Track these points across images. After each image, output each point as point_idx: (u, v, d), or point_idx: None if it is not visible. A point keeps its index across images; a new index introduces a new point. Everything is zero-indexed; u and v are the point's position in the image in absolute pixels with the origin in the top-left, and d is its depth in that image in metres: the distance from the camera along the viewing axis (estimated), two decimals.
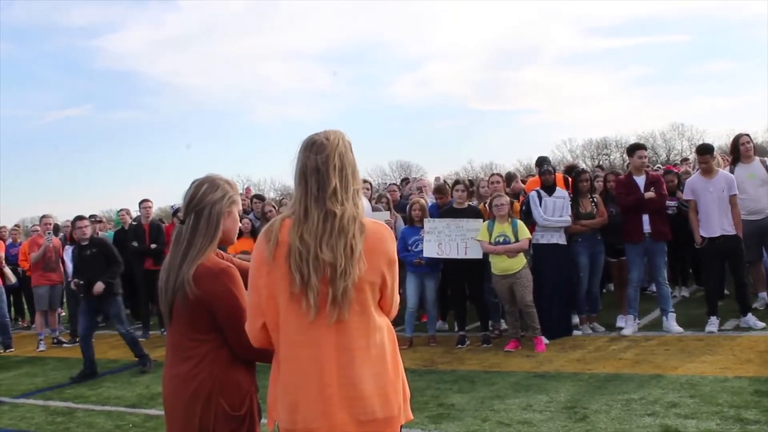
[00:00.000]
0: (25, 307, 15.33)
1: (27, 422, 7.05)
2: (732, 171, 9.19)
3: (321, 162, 2.54)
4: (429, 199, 10.70)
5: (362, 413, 2.50)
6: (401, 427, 2.66)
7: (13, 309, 15.20)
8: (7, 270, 12.21)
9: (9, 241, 14.97)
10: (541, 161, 10.52)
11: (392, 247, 2.62)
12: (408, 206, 9.68)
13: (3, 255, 12.15)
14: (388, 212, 9.94)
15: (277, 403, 2.61)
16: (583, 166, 19.35)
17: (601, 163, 48.96)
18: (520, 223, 8.56)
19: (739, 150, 9.44)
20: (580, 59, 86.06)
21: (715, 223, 8.53)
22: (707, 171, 8.71)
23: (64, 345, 11.81)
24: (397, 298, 2.72)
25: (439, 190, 10.39)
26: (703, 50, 79.82)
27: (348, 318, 2.50)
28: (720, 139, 39.11)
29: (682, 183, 10.79)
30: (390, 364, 2.58)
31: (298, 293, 2.49)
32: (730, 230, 8.49)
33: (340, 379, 2.49)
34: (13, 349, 11.71)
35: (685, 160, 18.49)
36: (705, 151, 8.87)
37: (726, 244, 8.50)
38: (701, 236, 8.65)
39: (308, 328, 2.51)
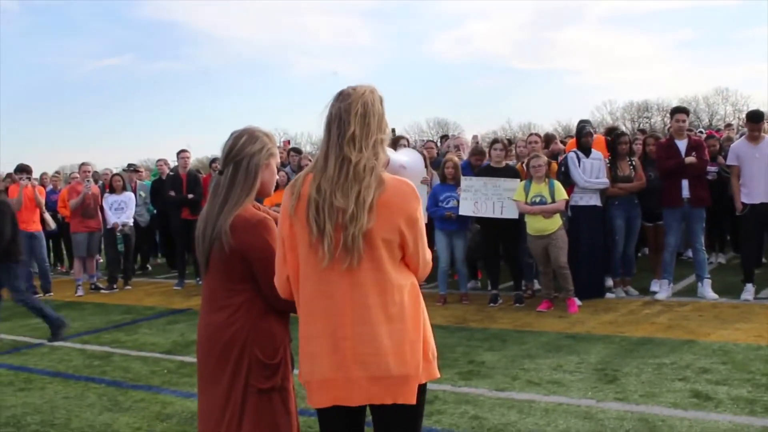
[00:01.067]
0: (64, 253, 15.62)
1: (65, 365, 7.21)
2: None
3: (344, 109, 2.55)
4: (465, 157, 10.65)
5: (376, 369, 2.51)
6: (426, 384, 2.67)
7: (52, 254, 15.48)
8: (47, 216, 12.37)
9: (49, 187, 15.19)
10: (582, 124, 10.37)
11: (414, 205, 2.57)
12: (441, 163, 9.64)
13: (43, 201, 12.31)
14: (425, 169, 9.92)
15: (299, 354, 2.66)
16: (623, 128, 19.06)
17: (642, 126, 48.29)
18: (557, 184, 8.49)
19: None
20: (624, 20, 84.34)
21: (760, 189, 8.37)
22: (755, 138, 8.55)
23: (102, 291, 12.01)
24: (426, 256, 2.69)
25: (478, 152, 10.32)
26: (752, 14, 77.54)
27: (362, 274, 2.51)
28: (765, 105, 38.25)
29: (723, 149, 10.62)
30: (410, 323, 2.56)
31: (315, 242, 2.52)
32: None
33: (354, 334, 2.51)
34: (52, 294, 11.94)
35: (728, 125, 18.14)
36: (758, 119, 8.70)
37: (767, 211, 8.36)
38: (742, 203, 8.52)
39: (325, 281, 2.53)
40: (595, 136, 10.80)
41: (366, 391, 2.52)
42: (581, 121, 10.17)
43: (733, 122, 24.83)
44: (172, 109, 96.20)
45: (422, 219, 2.64)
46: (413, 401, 2.55)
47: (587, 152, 8.96)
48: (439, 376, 2.72)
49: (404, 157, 2.99)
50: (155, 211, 13.83)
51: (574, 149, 9.16)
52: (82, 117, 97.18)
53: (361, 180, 2.48)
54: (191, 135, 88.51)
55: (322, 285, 2.54)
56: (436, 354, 2.70)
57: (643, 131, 14.77)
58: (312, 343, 2.58)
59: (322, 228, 2.49)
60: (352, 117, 2.53)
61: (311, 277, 2.57)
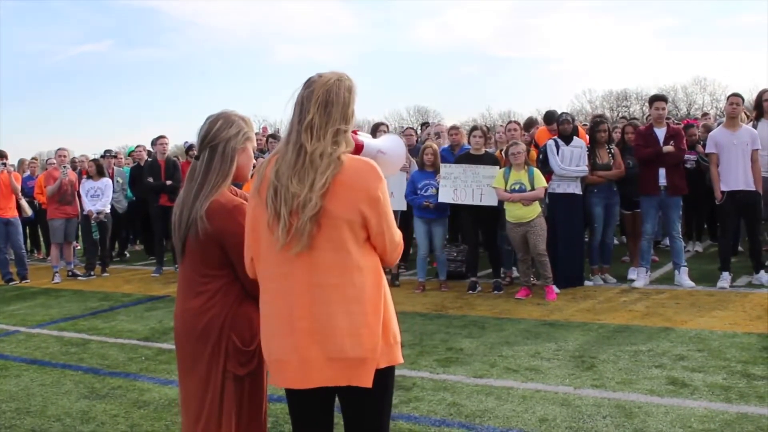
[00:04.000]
0: (41, 239, 15.49)
1: (42, 352, 7.16)
2: (755, 127, 9.05)
3: (305, 96, 2.55)
4: (444, 144, 10.68)
5: (332, 350, 2.49)
6: (393, 368, 2.66)
7: (29, 241, 15.35)
8: (24, 203, 12.27)
9: (26, 173, 15.06)
10: (551, 116, 10.41)
11: (374, 184, 2.53)
12: (420, 150, 9.63)
13: (20, 187, 12.20)
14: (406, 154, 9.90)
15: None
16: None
17: (623, 115, 48.45)
18: (536, 172, 8.50)
19: (762, 106, 9.32)
20: (604, 8, 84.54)
21: (738, 176, 8.44)
22: (732, 123, 8.61)
23: (79, 278, 11.93)
24: (395, 237, 2.65)
25: (453, 126, 10.47)
26: (731, 3, 77.98)
27: (321, 255, 2.50)
28: (743, 94, 38.47)
29: (701, 138, 10.70)
30: (369, 305, 2.53)
31: (272, 224, 2.52)
32: (752, 185, 8.41)
33: (311, 314, 2.50)
34: (29, 281, 11.84)
35: (705, 114, 18.27)
36: (736, 95, 8.85)
37: (745, 199, 8.43)
38: (721, 191, 8.57)
39: (281, 261, 2.53)
40: (541, 127, 10.89)
41: (322, 372, 2.51)
42: (562, 113, 10.25)
43: (710, 111, 24.96)
44: (151, 96, 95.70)
45: (387, 198, 2.59)
46: (369, 384, 2.52)
47: (567, 140, 8.98)
48: (401, 361, 2.68)
49: (381, 141, 2.95)
50: (133, 198, 13.75)
51: (555, 137, 9.18)
52: (60, 103, 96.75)
53: (317, 167, 2.46)
54: (170, 121, 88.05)
55: (281, 266, 2.54)
56: (399, 339, 2.67)
57: (626, 119, 14.77)
58: (270, 323, 2.59)
59: (278, 211, 2.49)
60: (312, 105, 2.51)
61: (270, 257, 2.57)
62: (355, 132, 2.73)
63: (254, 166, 3.02)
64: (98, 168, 12.24)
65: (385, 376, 2.60)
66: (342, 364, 2.50)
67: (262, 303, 2.63)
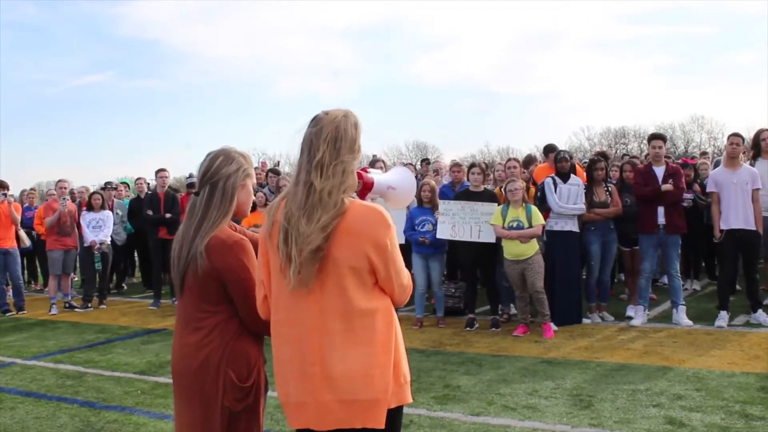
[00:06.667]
0: (38, 270, 15.46)
1: (37, 384, 7.13)
2: (752, 166, 9.11)
3: (314, 134, 2.57)
4: (445, 180, 10.71)
5: (344, 393, 2.50)
6: (402, 408, 2.66)
7: (26, 272, 15.33)
8: (22, 233, 12.28)
9: (25, 204, 15.08)
10: (551, 149, 10.48)
11: (381, 231, 2.54)
12: (419, 187, 9.66)
13: (19, 218, 12.21)
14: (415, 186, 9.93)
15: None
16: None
17: (618, 151, 48.57)
18: (534, 209, 8.53)
19: (759, 145, 9.37)
20: (603, 46, 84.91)
21: (738, 215, 8.47)
22: (732, 163, 8.66)
23: (76, 309, 11.89)
24: (403, 281, 2.68)
25: (455, 164, 10.55)
26: (729, 42, 78.47)
27: (329, 300, 2.51)
28: (740, 132, 38.56)
29: (699, 175, 10.76)
30: (380, 347, 2.54)
31: (284, 268, 2.53)
32: (751, 224, 8.44)
33: (322, 359, 2.51)
34: (25, 312, 11.80)
35: (704, 153, 18.33)
36: (736, 135, 8.95)
37: (745, 238, 8.46)
38: (720, 229, 8.60)
39: (294, 307, 2.55)
40: (540, 164, 10.96)
41: (335, 414, 2.51)
42: (560, 151, 10.30)
43: (708, 149, 25.03)
44: (151, 127, 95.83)
45: (394, 244, 2.61)
46: (382, 425, 2.53)
47: (565, 177, 9.02)
48: (411, 401, 2.70)
49: (391, 176, 2.95)
50: (132, 230, 13.77)
51: (552, 174, 9.22)
52: (61, 134, 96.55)
53: (325, 205, 2.48)
54: (170, 153, 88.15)
55: (291, 310, 2.56)
56: (408, 379, 2.69)
57: (627, 156, 14.84)
58: (283, 367, 2.61)
59: (290, 253, 2.50)
60: (321, 142, 2.53)
61: (281, 301, 2.59)
62: (365, 169, 2.75)
63: (254, 202, 3.04)
64: (102, 201, 12.29)
65: (394, 417, 2.61)
66: (355, 406, 2.51)
67: (274, 347, 2.65)
